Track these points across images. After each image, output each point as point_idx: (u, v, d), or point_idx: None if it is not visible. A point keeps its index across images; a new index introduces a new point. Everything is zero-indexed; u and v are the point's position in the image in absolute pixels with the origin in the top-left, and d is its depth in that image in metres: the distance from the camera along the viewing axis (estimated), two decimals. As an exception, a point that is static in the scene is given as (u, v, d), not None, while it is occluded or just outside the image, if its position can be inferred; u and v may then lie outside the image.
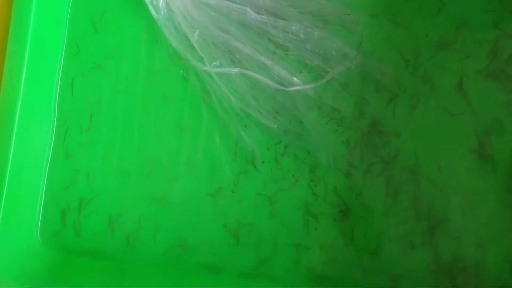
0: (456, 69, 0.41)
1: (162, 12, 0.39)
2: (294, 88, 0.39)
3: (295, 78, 0.39)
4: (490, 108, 0.41)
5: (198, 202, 0.42)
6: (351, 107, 0.42)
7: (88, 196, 0.43)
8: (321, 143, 0.41)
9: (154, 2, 0.38)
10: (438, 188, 0.41)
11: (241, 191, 0.41)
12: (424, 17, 0.42)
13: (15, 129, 0.40)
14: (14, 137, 0.40)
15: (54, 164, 0.43)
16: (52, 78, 0.42)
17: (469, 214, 0.40)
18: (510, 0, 0.41)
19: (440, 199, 0.41)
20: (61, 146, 0.43)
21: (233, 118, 0.41)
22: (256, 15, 0.38)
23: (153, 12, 0.39)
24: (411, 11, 0.42)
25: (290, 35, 0.39)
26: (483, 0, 0.42)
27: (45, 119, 0.43)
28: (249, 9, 0.38)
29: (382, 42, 0.41)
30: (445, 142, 0.41)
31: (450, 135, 0.41)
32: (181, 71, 0.42)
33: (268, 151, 0.41)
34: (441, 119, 0.41)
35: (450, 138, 0.41)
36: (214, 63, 0.39)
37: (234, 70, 0.38)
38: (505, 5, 0.41)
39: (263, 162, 0.41)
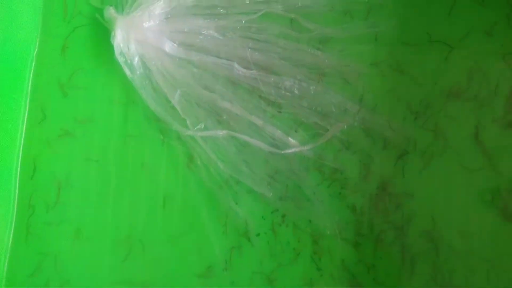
0: (470, 119, 0.40)
1: (138, 72, 0.36)
2: (290, 150, 0.36)
3: (290, 139, 0.37)
4: None
5: (186, 286, 0.38)
6: (356, 167, 0.39)
7: (56, 284, 0.38)
8: (324, 210, 0.38)
9: (129, 61, 0.36)
10: (460, 256, 0.38)
11: (234, 269, 0.39)
12: (432, 63, 0.40)
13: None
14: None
15: (16, 248, 0.39)
16: (12, 151, 0.39)
17: (496, 284, 0.37)
18: None
19: (463, 268, 0.38)
20: (23, 227, 0.39)
21: (222, 186, 0.38)
22: (244, 70, 0.36)
23: (127, 72, 0.37)
24: (416, 58, 0.40)
25: (283, 91, 0.37)
26: (495, 42, 0.40)
27: (3, 198, 0.39)
28: (236, 64, 0.35)
29: (386, 93, 0.39)
30: (464, 202, 0.39)
31: (470, 194, 0.39)
32: (161, 136, 0.39)
33: (264, 221, 0.38)
34: (458, 176, 0.39)
35: (470, 197, 0.39)
36: (198, 126, 0.36)
37: (222, 132, 0.35)
38: None
39: (258, 235, 0.38)
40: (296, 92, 0.37)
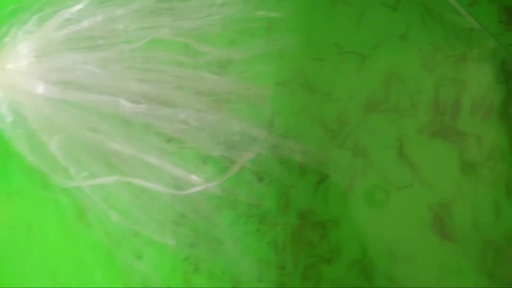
0: (392, 132, 0.37)
1: (9, 120, 0.31)
2: (194, 190, 0.32)
3: (193, 177, 0.33)
4: (444, 174, 0.35)
5: None
6: (273, 199, 0.36)
7: None
8: (241, 251, 0.33)
9: (-4, 109, 0.31)
10: (397, 283, 0.35)
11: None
12: (345, 76, 0.37)
13: None
14: None
15: None
16: None
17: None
18: (444, 41, 0.37)
19: (404, 296, 0.35)
20: None
21: (118, 242, 0.32)
22: (132, 105, 0.32)
23: (-4, 123, 0.32)
24: (327, 72, 0.36)
25: (179, 125, 0.33)
26: (412, 46, 0.37)
27: None
28: (122, 100, 0.32)
29: (297, 114, 0.37)
30: (394, 224, 0.36)
31: (399, 213, 0.36)
32: (42, 190, 0.34)
33: (174, 272, 0.34)
34: (385, 195, 0.36)
35: (401, 217, 0.36)
36: (83, 174, 0.31)
37: (111, 178, 0.31)
38: (439, 48, 0.36)
39: (168, 290, 0.34)
40: (194, 123, 0.33)
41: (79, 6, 0.34)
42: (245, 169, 0.35)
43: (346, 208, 0.36)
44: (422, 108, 0.37)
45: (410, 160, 0.36)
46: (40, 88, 0.33)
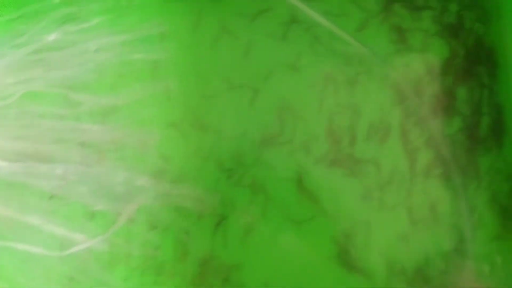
0: (290, 165, 0.36)
1: None
2: (78, 248, 0.30)
3: (77, 234, 0.30)
4: (345, 203, 0.34)
5: None
6: (170, 248, 0.35)
7: None
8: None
9: None
10: None
11: None
12: (237, 112, 0.36)
13: None
14: None
15: None
16: None
17: None
18: (336, 68, 0.37)
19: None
20: None
21: None
22: (7, 164, 0.30)
23: None
24: (219, 109, 0.36)
25: (57, 181, 0.31)
26: (302, 74, 0.37)
27: None
28: (-5, 161, 0.29)
29: (191, 156, 0.36)
30: (298, 259, 0.35)
31: (302, 248, 0.35)
32: None
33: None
34: (286, 231, 0.35)
35: (304, 252, 0.35)
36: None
37: (-14, 246, 0.29)
38: (331, 75, 0.37)
39: None
40: (73, 177, 0.32)
41: None
42: (136, 220, 0.34)
43: (248, 249, 0.35)
44: (318, 137, 0.36)
45: (310, 192, 0.36)
46: None
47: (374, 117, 0.37)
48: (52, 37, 0.34)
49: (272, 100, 0.37)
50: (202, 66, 0.37)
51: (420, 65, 0.37)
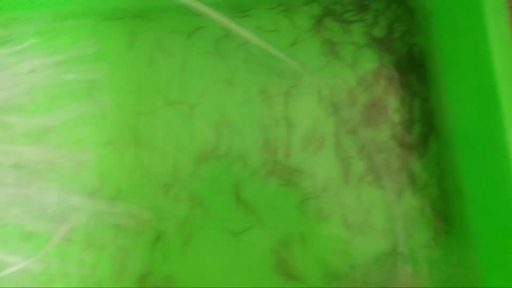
0: (227, 178, 0.37)
1: None
2: (13, 270, 0.30)
3: (12, 256, 0.30)
4: (281, 213, 0.35)
5: None
6: (107, 265, 0.35)
7: None
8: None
9: None
10: None
11: None
12: (174, 127, 0.37)
13: None
14: None
15: None
16: None
17: None
18: (269, 82, 0.38)
19: None
20: None
21: None
22: None
23: None
24: (156, 126, 0.37)
25: (-11, 204, 0.31)
26: (238, 89, 0.38)
27: None
28: None
29: (127, 172, 0.36)
30: (237, 271, 0.36)
31: (241, 259, 0.36)
32: None
33: None
34: (223, 242, 0.36)
35: (243, 263, 0.36)
36: None
37: None
38: (265, 89, 0.37)
39: None
40: (6, 200, 0.31)
41: None
42: (72, 239, 0.34)
43: (186, 263, 0.35)
44: (254, 150, 0.37)
45: (247, 204, 0.36)
46: None
47: (308, 128, 0.38)
48: (-16, 60, 0.34)
49: (208, 115, 0.38)
50: (138, 83, 0.37)
51: (351, 76, 0.39)
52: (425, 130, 0.38)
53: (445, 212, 0.37)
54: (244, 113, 0.38)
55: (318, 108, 0.38)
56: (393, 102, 0.39)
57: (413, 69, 0.39)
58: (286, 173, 0.37)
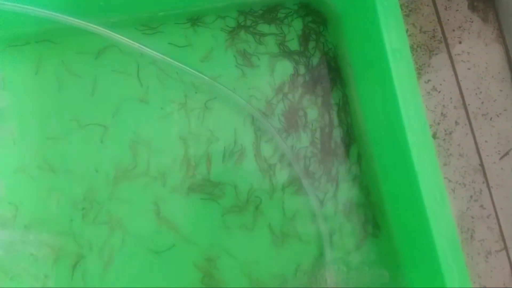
0: (147, 197, 0.36)
1: None
2: None
3: None
4: (205, 229, 0.35)
5: None
6: None
7: None
8: None
9: None
10: None
11: None
12: (88, 150, 0.37)
13: None
14: None
15: None
16: None
17: None
18: (186, 97, 0.38)
19: None
20: None
21: None
22: None
23: None
24: (68, 149, 0.36)
25: None
26: (153, 106, 0.38)
27: None
28: None
29: (42, 199, 0.36)
30: None
31: (165, 277, 0.35)
32: None
33: None
34: (147, 262, 0.35)
35: (168, 281, 0.35)
36: None
37: None
38: (182, 104, 0.37)
39: None
40: None
41: None
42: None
43: (108, 285, 0.35)
44: (173, 166, 0.37)
45: (169, 221, 0.36)
46: None
47: (227, 140, 0.38)
48: None
49: (123, 134, 0.37)
50: (47, 108, 0.37)
51: (267, 86, 0.39)
52: (345, 135, 0.39)
53: (371, 216, 0.38)
54: (161, 130, 0.38)
55: (236, 119, 0.38)
56: (310, 110, 0.39)
57: (328, 75, 0.40)
58: (208, 187, 0.37)
